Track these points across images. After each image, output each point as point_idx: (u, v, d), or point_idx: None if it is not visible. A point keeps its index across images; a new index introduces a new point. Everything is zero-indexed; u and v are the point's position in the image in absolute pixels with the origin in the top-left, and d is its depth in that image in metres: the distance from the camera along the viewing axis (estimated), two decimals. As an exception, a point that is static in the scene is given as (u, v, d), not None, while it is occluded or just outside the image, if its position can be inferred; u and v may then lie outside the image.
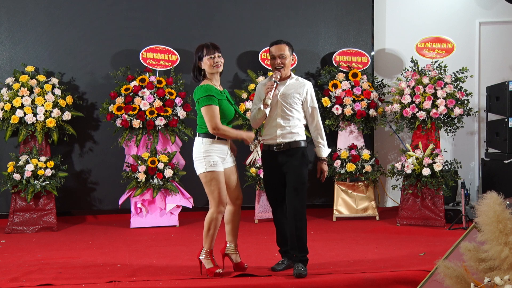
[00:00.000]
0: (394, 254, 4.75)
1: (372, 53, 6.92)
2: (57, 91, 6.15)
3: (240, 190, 4.27)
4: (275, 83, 4.09)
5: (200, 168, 4.06)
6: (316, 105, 4.28)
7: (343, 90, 6.39)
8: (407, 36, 6.92)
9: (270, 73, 6.44)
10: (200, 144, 4.05)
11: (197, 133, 4.10)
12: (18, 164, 5.96)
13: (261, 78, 6.40)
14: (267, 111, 4.13)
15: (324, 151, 4.27)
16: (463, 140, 7.09)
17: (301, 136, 4.20)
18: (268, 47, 4.29)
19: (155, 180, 6.02)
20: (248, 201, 6.20)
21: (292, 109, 4.17)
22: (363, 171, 6.25)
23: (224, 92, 4.14)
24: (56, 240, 5.56)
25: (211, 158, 4.02)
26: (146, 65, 6.31)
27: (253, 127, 4.35)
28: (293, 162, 4.13)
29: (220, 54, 4.10)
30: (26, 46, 6.44)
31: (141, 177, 5.99)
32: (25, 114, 6.02)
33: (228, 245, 4.26)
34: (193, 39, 6.61)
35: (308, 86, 4.24)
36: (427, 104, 6.03)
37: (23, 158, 6.00)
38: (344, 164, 6.28)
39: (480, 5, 7.14)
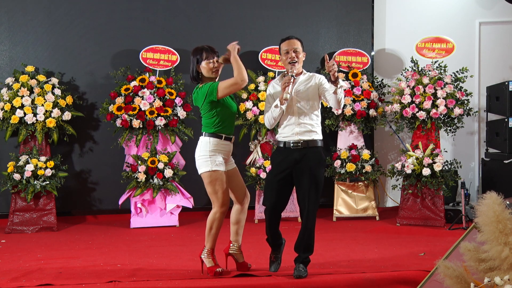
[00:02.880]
0: (394, 254, 4.75)
1: (372, 53, 6.92)
2: (57, 91, 6.16)
3: (246, 188, 4.28)
4: (293, 78, 3.98)
5: (204, 167, 4.03)
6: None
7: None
8: (407, 36, 6.92)
9: (270, 74, 6.48)
10: (206, 143, 4.05)
11: (203, 133, 4.10)
12: (18, 164, 5.96)
13: (261, 78, 6.40)
14: (284, 107, 4.06)
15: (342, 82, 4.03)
16: (463, 140, 7.09)
17: (318, 135, 4.14)
18: (280, 43, 4.17)
19: (155, 180, 6.02)
20: (248, 201, 6.21)
21: (309, 106, 4.10)
22: (363, 171, 6.25)
23: None
24: (56, 240, 5.55)
25: (216, 157, 4.02)
26: (146, 65, 6.31)
27: (268, 127, 4.27)
28: (310, 162, 4.04)
29: (217, 59, 4.11)
30: (26, 46, 6.44)
31: (141, 177, 5.99)
32: (25, 114, 6.02)
33: (232, 245, 4.28)
34: (193, 39, 6.61)
35: (318, 75, 4.15)
36: (427, 104, 6.03)
37: (23, 158, 6.00)
38: (344, 164, 6.28)
39: (480, 5, 7.13)
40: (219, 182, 4.01)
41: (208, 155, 4.02)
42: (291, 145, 4.08)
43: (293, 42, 4.12)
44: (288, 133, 4.11)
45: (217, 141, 4.04)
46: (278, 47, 4.27)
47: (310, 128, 4.10)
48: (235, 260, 4.28)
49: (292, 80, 3.97)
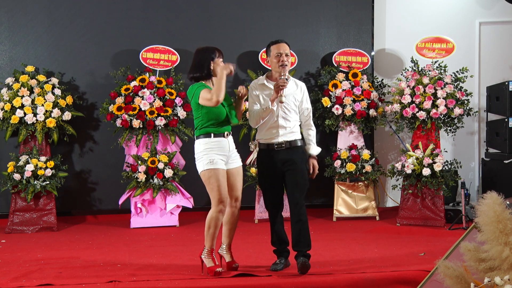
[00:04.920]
0: (394, 254, 4.75)
1: (372, 53, 6.92)
2: (57, 91, 6.16)
3: (240, 192, 4.26)
4: (287, 80, 4.13)
5: (200, 166, 4.10)
6: (310, 106, 4.39)
7: (343, 90, 6.39)
8: (407, 36, 6.92)
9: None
10: (198, 145, 4.13)
11: (195, 136, 4.17)
12: (18, 164, 5.96)
13: (261, 78, 6.40)
14: (275, 109, 4.17)
15: (315, 148, 4.35)
16: (463, 140, 7.09)
17: (299, 135, 4.30)
18: (270, 46, 4.30)
19: (155, 180, 6.02)
20: (248, 201, 6.20)
21: (291, 110, 4.25)
22: (363, 171, 6.25)
23: None
24: (56, 240, 5.56)
25: (209, 156, 4.05)
26: (146, 65, 6.31)
27: (253, 127, 4.34)
28: (295, 160, 4.19)
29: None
30: (26, 46, 6.44)
31: (141, 177, 5.99)
32: (25, 114, 6.02)
33: (221, 245, 4.31)
34: (193, 39, 6.62)
35: (304, 88, 4.37)
36: (427, 104, 6.03)
37: (23, 158, 6.00)
38: (344, 164, 6.28)
39: (480, 5, 7.13)
40: (213, 180, 4.03)
41: (201, 155, 4.08)
42: (275, 146, 4.21)
43: (285, 46, 4.27)
44: (271, 135, 4.23)
45: (207, 140, 4.08)
46: (266, 49, 4.37)
47: (292, 129, 4.25)
48: (224, 259, 4.31)
49: (286, 84, 4.10)
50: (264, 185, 4.31)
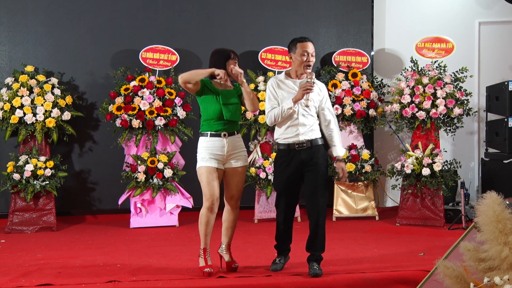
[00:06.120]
0: (394, 254, 4.75)
1: (372, 53, 6.92)
2: (57, 91, 6.16)
3: (238, 191, 4.23)
4: (314, 84, 4.11)
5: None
6: (331, 107, 4.31)
7: (342, 90, 6.39)
8: (407, 36, 6.92)
9: (270, 74, 6.47)
10: (198, 142, 4.21)
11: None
12: (17, 164, 5.96)
13: (260, 78, 6.40)
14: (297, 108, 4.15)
15: (340, 149, 4.25)
16: (463, 140, 7.09)
17: (319, 133, 4.21)
18: (296, 43, 4.22)
19: (155, 180, 6.02)
20: (248, 201, 6.21)
21: (311, 108, 4.18)
22: (363, 171, 6.25)
23: (220, 91, 4.18)
24: (56, 240, 5.55)
25: (200, 154, 4.14)
26: (146, 65, 6.31)
27: (270, 125, 4.29)
28: (318, 160, 4.12)
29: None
30: (26, 46, 6.44)
31: (141, 177, 5.99)
32: (24, 114, 6.02)
33: (221, 245, 4.32)
34: (193, 39, 6.62)
35: (323, 88, 4.29)
36: (427, 104, 6.03)
37: (23, 158, 6.00)
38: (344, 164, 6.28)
39: (480, 5, 7.14)
40: (202, 178, 4.11)
41: (198, 153, 4.17)
42: (296, 146, 4.12)
43: (312, 45, 4.22)
44: (291, 134, 4.14)
45: (203, 139, 4.16)
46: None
47: (312, 127, 4.16)
48: (224, 259, 4.31)
49: (313, 88, 4.07)
50: (281, 187, 4.19)
